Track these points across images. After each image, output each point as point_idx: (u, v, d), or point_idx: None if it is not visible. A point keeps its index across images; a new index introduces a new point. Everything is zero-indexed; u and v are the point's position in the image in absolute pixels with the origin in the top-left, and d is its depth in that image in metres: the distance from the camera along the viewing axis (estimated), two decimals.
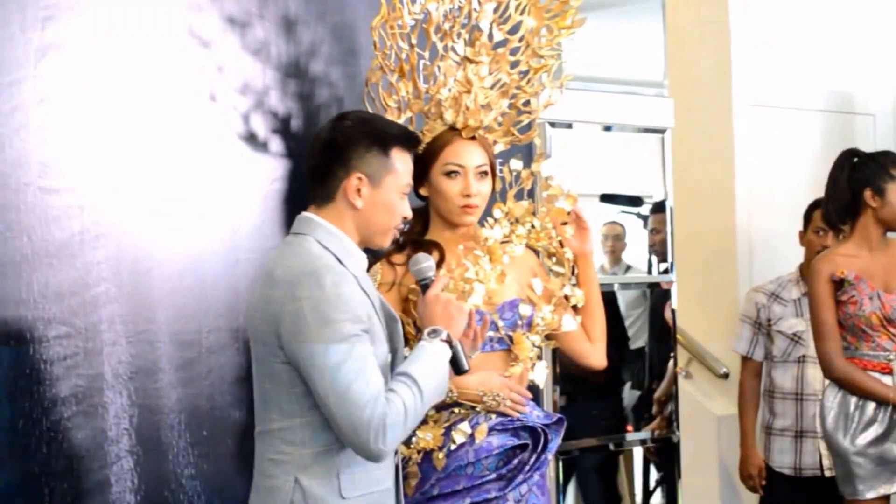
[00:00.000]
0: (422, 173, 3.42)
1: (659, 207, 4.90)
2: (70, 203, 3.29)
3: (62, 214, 3.27)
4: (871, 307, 4.39)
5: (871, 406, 4.42)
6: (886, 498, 4.48)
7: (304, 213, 2.96)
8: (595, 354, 3.62)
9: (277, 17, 3.71)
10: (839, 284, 4.42)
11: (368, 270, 3.30)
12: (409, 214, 3.01)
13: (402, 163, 2.95)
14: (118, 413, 3.34)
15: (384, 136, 2.96)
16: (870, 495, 4.48)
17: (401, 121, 3.44)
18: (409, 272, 3.13)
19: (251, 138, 3.63)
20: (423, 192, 3.45)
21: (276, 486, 2.84)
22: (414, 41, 3.43)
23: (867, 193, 4.46)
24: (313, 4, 3.79)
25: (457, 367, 3.00)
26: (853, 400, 4.44)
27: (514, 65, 3.52)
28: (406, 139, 2.99)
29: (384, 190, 2.92)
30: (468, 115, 3.43)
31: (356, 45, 3.85)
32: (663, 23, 4.87)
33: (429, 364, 2.86)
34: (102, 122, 3.37)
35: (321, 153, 2.95)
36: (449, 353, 2.91)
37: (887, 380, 4.41)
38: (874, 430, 4.42)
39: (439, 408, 3.34)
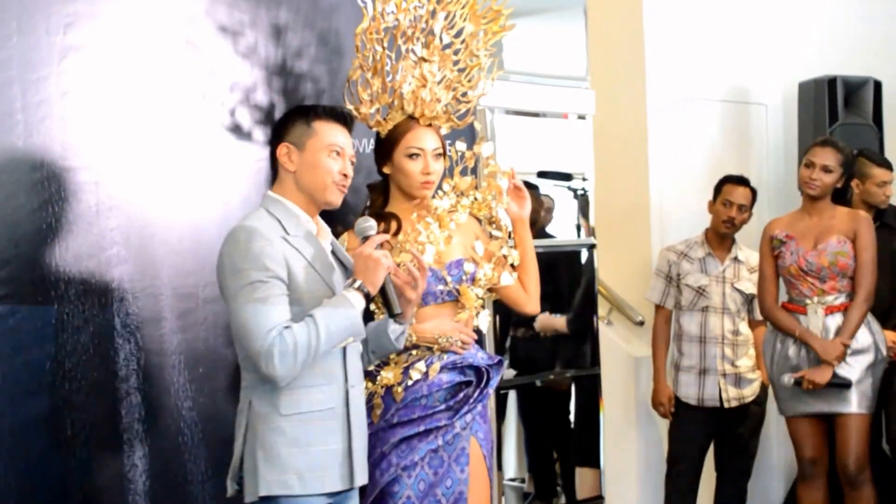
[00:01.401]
0: (385, 155, 3.45)
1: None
2: (87, 179, 3.32)
3: (80, 189, 3.30)
4: (791, 260, 4.55)
5: (790, 341, 4.58)
6: (810, 416, 4.57)
7: (266, 192, 3.00)
8: (530, 303, 3.60)
9: (267, 25, 3.70)
10: (775, 242, 4.61)
11: (337, 238, 3.38)
12: (349, 172, 2.96)
13: (323, 128, 2.94)
14: (127, 356, 3.36)
15: (305, 110, 2.99)
16: (789, 414, 4.65)
17: (371, 111, 3.44)
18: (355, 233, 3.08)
19: (240, 127, 3.62)
20: (386, 170, 3.46)
21: (241, 409, 2.90)
22: (385, 45, 3.44)
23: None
24: (302, 13, 3.78)
25: (389, 309, 2.98)
26: (778, 336, 4.60)
27: (456, 63, 3.53)
28: (324, 111, 2.97)
29: (309, 151, 2.93)
30: (424, 106, 3.47)
31: (340, 47, 3.84)
32: (585, 23, 4.84)
33: (334, 306, 2.80)
34: (115, 111, 3.38)
35: (270, 143, 3.01)
36: (360, 301, 2.84)
37: (804, 319, 4.56)
38: (791, 361, 4.59)
39: (399, 352, 3.35)
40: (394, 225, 3.45)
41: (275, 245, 2.80)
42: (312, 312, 2.79)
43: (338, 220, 3.43)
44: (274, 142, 2.99)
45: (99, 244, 3.32)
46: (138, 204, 3.41)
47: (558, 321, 4.77)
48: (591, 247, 4.91)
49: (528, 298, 3.61)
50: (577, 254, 4.91)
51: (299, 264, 2.84)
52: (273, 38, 3.72)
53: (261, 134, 3.66)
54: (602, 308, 5.44)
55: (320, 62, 3.83)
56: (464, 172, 3.60)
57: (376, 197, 3.52)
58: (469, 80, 3.56)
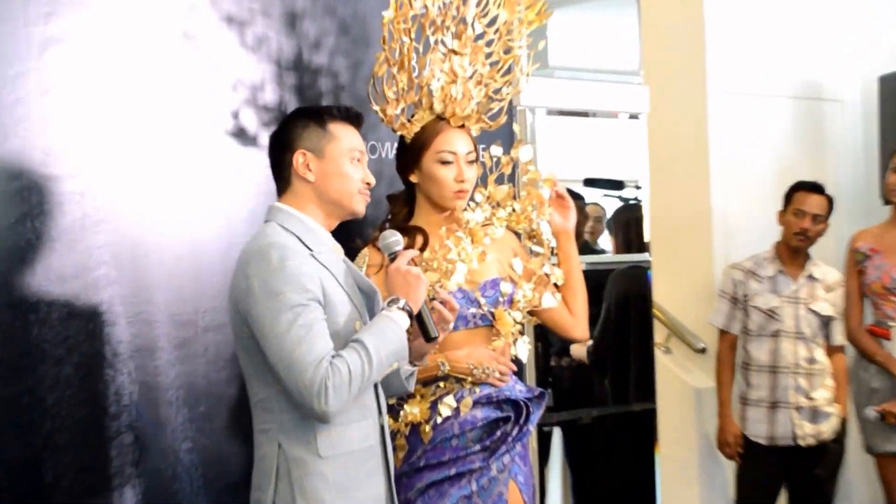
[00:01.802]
0: (412, 161, 3.43)
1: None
2: (71, 189, 3.30)
3: (64, 200, 3.28)
4: (874, 276, 4.51)
5: (875, 369, 4.54)
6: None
7: (273, 203, 2.99)
8: (577, 327, 3.62)
9: (280, 12, 3.72)
10: (858, 255, 4.58)
11: (357, 255, 3.33)
12: (371, 179, 2.99)
13: (341, 131, 2.96)
14: (118, 391, 3.36)
15: (318, 112, 3.00)
16: (878, 451, 4.58)
17: (396, 111, 3.45)
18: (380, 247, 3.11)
19: (246, 129, 3.63)
20: (412, 178, 3.45)
21: (265, 455, 2.86)
22: (413, 35, 3.43)
23: None
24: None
25: (425, 333, 3.00)
26: (862, 363, 4.57)
27: (488, 56, 3.53)
28: (340, 112, 2.99)
29: (329, 158, 2.94)
30: (454, 105, 3.46)
31: (364, 37, 3.86)
32: (638, 11, 4.87)
33: (381, 330, 2.84)
34: (102, 112, 3.38)
35: (272, 149, 3.00)
36: (406, 321, 2.88)
37: (887, 345, 4.51)
38: (877, 392, 4.55)
39: (426, 382, 3.36)
40: (420, 240, 3.44)
41: (308, 263, 2.83)
42: (360, 337, 2.81)
43: (356, 233, 3.45)
44: (282, 149, 2.98)
45: (85, 263, 3.32)
46: (130, 218, 3.42)
47: (606, 349, 4.73)
48: (646, 264, 4.94)
49: (574, 322, 3.62)
50: (630, 272, 4.94)
51: (331, 284, 2.87)
52: (287, 27, 3.73)
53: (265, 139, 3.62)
54: (658, 334, 5.49)
55: (340, 54, 3.86)
56: (499, 180, 3.61)
57: (399, 208, 3.52)
58: (502, 75, 3.56)
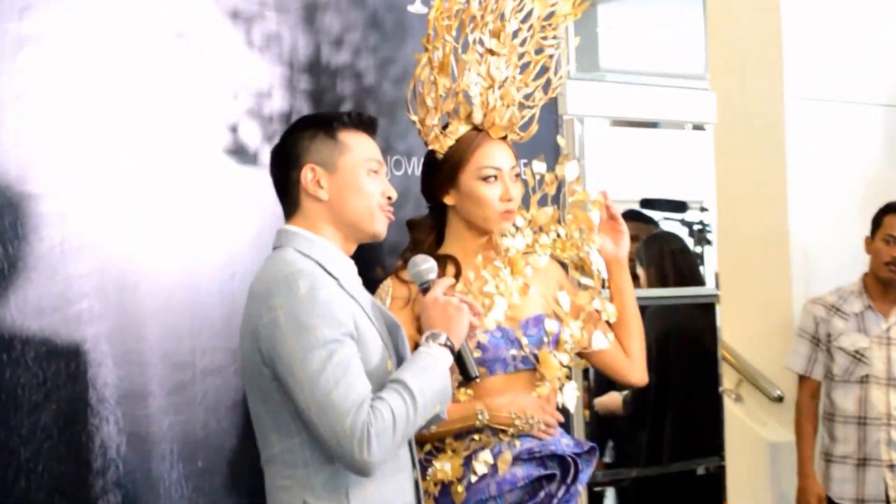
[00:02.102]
0: (447, 179, 3.43)
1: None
2: (50, 210, 3.31)
3: (41, 223, 3.29)
4: None
5: None
6: None
7: (281, 227, 2.99)
8: (634, 370, 3.61)
9: (298, 4, 3.75)
10: None
11: (378, 287, 3.33)
12: (393, 193, 2.99)
13: (354, 141, 2.96)
14: (104, 442, 3.35)
15: (325, 120, 2.99)
16: None
17: (434, 121, 3.46)
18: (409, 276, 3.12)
19: (252, 139, 3.65)
20: (448, 200, 3.45)
21: None
22: (454, 33, 3.44)
23: None
24: None
25: (464, 372, 3.00)
26: None
27: (521, 56, 3.52)
28: (351, 118, 2.99)
29: (342, 172, 2.93)
30: (494, 114, 3.46)
31: (400, 30, 3.90)
32: (704, 7, 4.86)
33: (423, 369, 2.84)
34: (86, 120, 3.39)
35: (275, 165, 3.00)
36: (449, 358, 2.89)
37: None
38: None
39: (459, 435, 3.34)
40: (451, 270, 3.42)
41: (340, 295, 2.84)
42: (401, 377, 2.82)
43: (376, 261, 3.47)
44: (287, 165, 2.98)
45: (66, 294, 3.32)
46: (117, 243, 3.42)
47: (614, 400, 4.69)
48: (713, 298, 4.90)
49: (630, 364, 3.61)
50: (695, 308, 4.90)
51: (361, 318, 2.88)
52: (304, 21, 3.76)
53: None
54: (728, 379, 5.53)
55: (367, 51, 3.88)
56: (542, 202, 3.59)
57: (424, 234, 3.51)
58: (534, 79, 3.54)
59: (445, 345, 2.89)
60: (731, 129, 5.16)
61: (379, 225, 2.98)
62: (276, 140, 3.59)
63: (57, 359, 3.29)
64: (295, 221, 2.97)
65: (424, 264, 3.05)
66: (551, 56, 3.55)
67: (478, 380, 3.04)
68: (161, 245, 3.49)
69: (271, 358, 2.79)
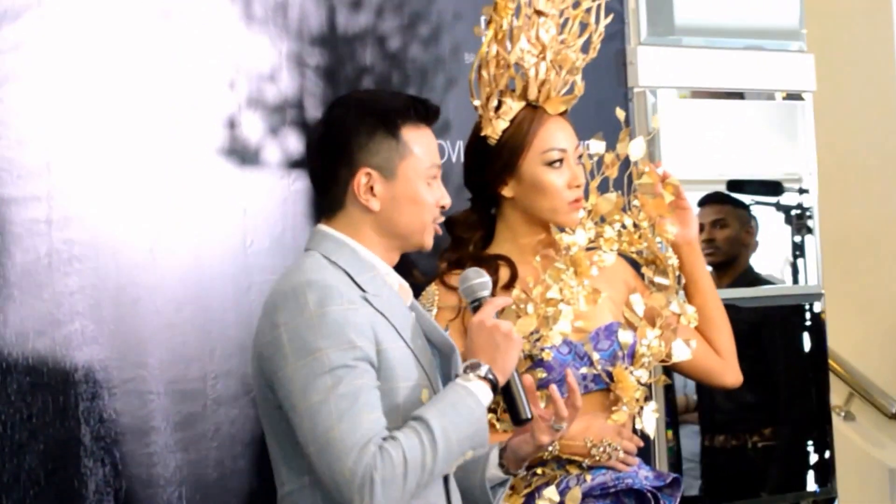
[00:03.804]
0: (504, 168, 3.45)
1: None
2: (35, 217, 3.34)
3: (24, 231, 3.32)
4: None
5: None
6: None
7: (316, 226, 2.99)
8: (728, 371, 3.65)
9: None
10: None
11: (422, 293, 3.32)
12: (448, 201, 3.00)
13: (418, 141, 2.95)
14: (100, 487, 3.37)
15: (387, 112, 2.96)
16: None
17: (494, 103, 3.45)
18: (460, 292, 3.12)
19: (267, 130, 3.67)
20: (506, 192, 3.46)
21: None
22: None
23: None
24: None
25: (514, 413, 2.99)
26: None
27: (561, 14, 3.50)
28: (417, 110, 2.98)
29: (403, 181, 2.93)
30: (549, 86, 3.47)
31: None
32: None
33: (452, 405, 2.83)
34: (75, 113, 3.43)
35: (318, 154, 2.99)
36: (488, 395, 2.87)
37: None
38: None
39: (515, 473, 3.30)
40: (505, 274, 3.43)
41: (359, 310, 2.82)
42: (422, 414, 2.80)
43: (411, 263, 3.46)
44: (337, 162, 2.96)
45: (53, 315, 3.34)
46: (111, 252, 3.44)
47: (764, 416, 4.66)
48: (815, 298, 4.89)
49: (722, 364, 3.65)
50: (795, 309, 4.91)
51: (390, 338, 2.86)
52: None
53: (291, 143, 3.72)
54: (837, 394, 5.51)
55: (389, 10, 3.89)
56: (602, 187, 3.60)
57: (469, 232, 3.51)
58: (574, 38, 3.53)
59: (486, 378, 2.87)
60: (834, 98, 5.17)
61: (428, 238, 2.99)
62: (283, 130, 3.70)
63: (43, 391, 3.30)
64: (333, 222, 2.97)
65: (477, 278, 3.05)
66: (588, 10, 3.53)
67: (530, 421, 3.01)
68: (164, 254, 3.50)
69: (272, 382, 2.80)
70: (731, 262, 4.88)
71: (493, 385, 2.88)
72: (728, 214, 4.85)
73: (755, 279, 4.96)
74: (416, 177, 2.94)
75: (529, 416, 2.99)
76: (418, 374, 2.90)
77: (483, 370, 2.87)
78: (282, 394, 2.79)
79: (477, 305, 3.01)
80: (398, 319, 2.90)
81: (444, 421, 2.78)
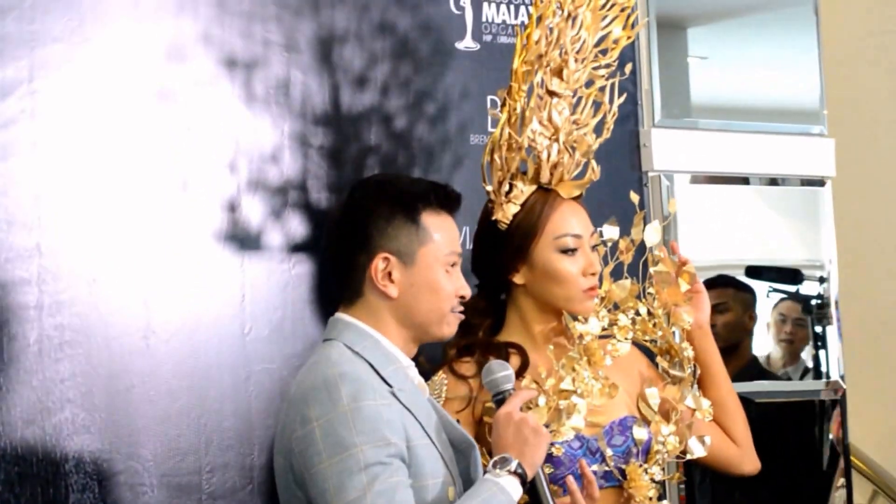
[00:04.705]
0: (516, 254, 3.45)
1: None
2: (24, 301, 3.32)
3: (12, 317, 3.31)
4: None
5: None
6: None
7: (335, 315, 3.01)
8: (746, 459, 3.67)
9: (312, 38, 3.78)
10: None
11: (429, 380, 3.32)
12: (467, 292, 3.04)
13: (438, 228, 3.01)
14: None
15: (407, 197, 3.01)
16: None
17: (506, 188, 3.46)
18: (483, 385, 3.13)
19: (268, 213, 3.68)
20: (518, 279, 3.46)
21: None
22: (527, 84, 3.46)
23: None
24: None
25: None
26: None
27: (574, 93, 3.53)
28: (438, 197, 3.02)
29: (421, 267, 2.98)
30: (563, 169, 3.48)
31: (434, 56, 3.95)
32: (817, 34, 4.86)
33: (485, 502, 2.84)
34: (67, 193, 3.43)
35: (335, 239, 3.04)
36: (518, 490, 2.89)
37: None
38: None
39: None
40: (515, 362, 3.40)
41: (391, 405, 2.87)
42: None
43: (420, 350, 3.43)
44: (354, 247, 3.01)
45: (43, 403, 3.33)
46: (103, 336, 3.43)
47: None
48: (838, 394, 4.90)
49: (741, 453, 3.67)
50: (815, 406, 4.89)
51: (417, 434, 2.91)
52: (318, 61, 3.80)
53: (293, 226, 3.72)
54: (860, 492, 5.43)
55: (396, 87, 3.92)
56: (616, 273, 3.61)
57: (478, 318, 3.50)
58: (588, 118, 3.55)
59: (516, 472, 2.90)
60: (854, 185, 5.18)
61: (448, 329, 3.05)
62: (284, 214, 3.70)
63: (33, 482, 3.28)
64: (353, 311, 3.01)
65: (501, 371, 3.09)
66: (602, 89, 3.56)
67: None
68: (160, 338, 3.50)
69: (304, 480, 2.81)
70: (731, 350, 4.84)
71: (523, 480, 2.91)
72: (730, 298, 4.83)
73: (761, 372, 4.94)
74: (436, 263, 3.00)
75: None
76: (444, 472, 2.93)
77: (513, 465, 2.91)
78: (314, 492, 2.81)
79: (501, 399, 3.03)
80: (422, 415, 2.94)
81: None
